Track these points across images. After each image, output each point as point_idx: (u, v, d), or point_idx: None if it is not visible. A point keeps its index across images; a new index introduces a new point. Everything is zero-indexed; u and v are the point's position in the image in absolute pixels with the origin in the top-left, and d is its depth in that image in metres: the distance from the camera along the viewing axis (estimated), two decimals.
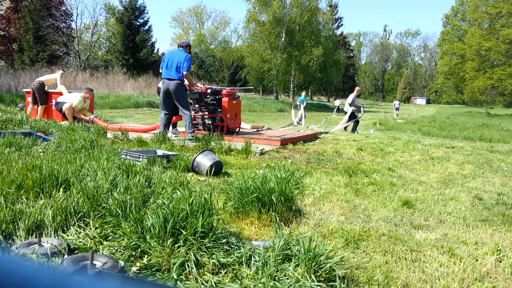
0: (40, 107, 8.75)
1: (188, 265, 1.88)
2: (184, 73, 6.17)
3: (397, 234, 2.73)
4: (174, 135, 6.99)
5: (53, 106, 8.52)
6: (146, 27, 34.36)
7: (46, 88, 8.98)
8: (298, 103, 16.33)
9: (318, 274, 1.83)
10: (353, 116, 11.61)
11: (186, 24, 66.35)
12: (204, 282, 1.82)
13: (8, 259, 0.44)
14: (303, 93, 17.06)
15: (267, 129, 9.32)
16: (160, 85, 7.22)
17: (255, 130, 8.89)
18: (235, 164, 4.91)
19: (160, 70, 6.55)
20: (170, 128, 7.32)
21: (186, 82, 6.44)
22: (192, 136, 6.15)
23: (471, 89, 36.11)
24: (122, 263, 1.89)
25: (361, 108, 12.33)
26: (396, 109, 33.74)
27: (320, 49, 35.34)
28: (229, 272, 1.89)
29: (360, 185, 4.15)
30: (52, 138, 5.42)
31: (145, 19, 34.20)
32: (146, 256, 1.98)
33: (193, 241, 2.01)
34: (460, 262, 2.31)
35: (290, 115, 14.47)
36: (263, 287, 1.69)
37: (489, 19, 35.29)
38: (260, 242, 2.28)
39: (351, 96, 11.75)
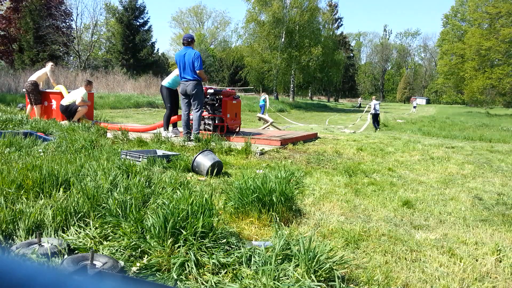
0: (35, 107, 8.59)
1: (188, 265, 1.88)
2: (198, 71, 6.27)
3: (397, 234, 2.73)
4: (174, 135, 6.99)
5: (60, 109, 8.21)
6: (146, 27, 34.44)
7: (41, 87, 8.82)
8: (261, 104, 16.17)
9: (318, 274, 1.83)
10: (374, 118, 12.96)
11: (186, 24, 66.33)
12: (204, 282, 1.82)
13: (8, 259, 0.44)
14: (264, 94, 16.84)
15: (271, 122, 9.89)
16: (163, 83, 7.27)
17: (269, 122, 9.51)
18: (235, 164, 4.91)
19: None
20: (170, 127, 7.33)
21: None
22: (193, 136, 6.16)
23: (471, 89, 36.15)
24: (122, 263, 1.89)
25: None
26: (414, 107, 35.65)
27: (319, 49, 35.32)
28: (229, 272, 1.89)
29: (360, 185, 4.15)
30: (52, 138, 5.42)
31: (145, 19, 34.29)
32: (146, 256, 1.98)
33: (193, 241, 2.01)
34: (460, 262, 2.31)
35: (264, 119, 14.56)
36: (263, 287, 1.69)
37: (489, 19, 35.28)
38: (260, 242, 2.28)
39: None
